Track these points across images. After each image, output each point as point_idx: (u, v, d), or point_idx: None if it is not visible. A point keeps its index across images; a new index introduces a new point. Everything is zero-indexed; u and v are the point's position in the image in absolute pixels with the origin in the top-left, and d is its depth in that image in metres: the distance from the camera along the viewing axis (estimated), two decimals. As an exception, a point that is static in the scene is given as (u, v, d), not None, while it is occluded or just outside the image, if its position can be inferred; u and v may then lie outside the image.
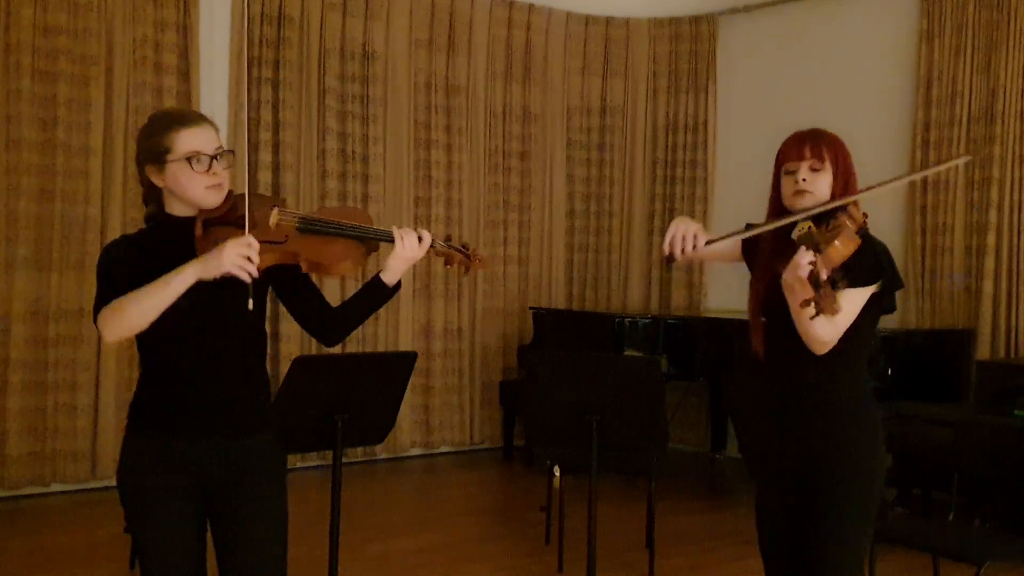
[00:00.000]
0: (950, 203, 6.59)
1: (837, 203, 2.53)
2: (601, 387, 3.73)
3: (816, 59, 7.42)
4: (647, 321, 7.04)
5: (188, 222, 2.45)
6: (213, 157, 2.42)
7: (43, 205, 6.00)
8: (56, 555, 5.00)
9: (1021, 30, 6.34)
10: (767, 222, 2.64)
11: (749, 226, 2.75)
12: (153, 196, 2.50)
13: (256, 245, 2.33)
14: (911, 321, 6.64)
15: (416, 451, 7.56)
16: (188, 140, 2.40)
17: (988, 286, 6.38)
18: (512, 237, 8.02)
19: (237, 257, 2.30)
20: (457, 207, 7.67)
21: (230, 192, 2.49)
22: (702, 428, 7.65)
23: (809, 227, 2.48)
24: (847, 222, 2.44)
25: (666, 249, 2.65)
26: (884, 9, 7.11)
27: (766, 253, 2.68)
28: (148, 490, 2.45)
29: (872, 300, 2.57)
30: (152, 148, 2.42)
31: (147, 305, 2.34)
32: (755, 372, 2.77)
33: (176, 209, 2.47)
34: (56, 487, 6.10)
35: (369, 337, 7.18)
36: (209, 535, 2.55)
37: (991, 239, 6.38)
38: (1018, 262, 6.34)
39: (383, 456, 7.30)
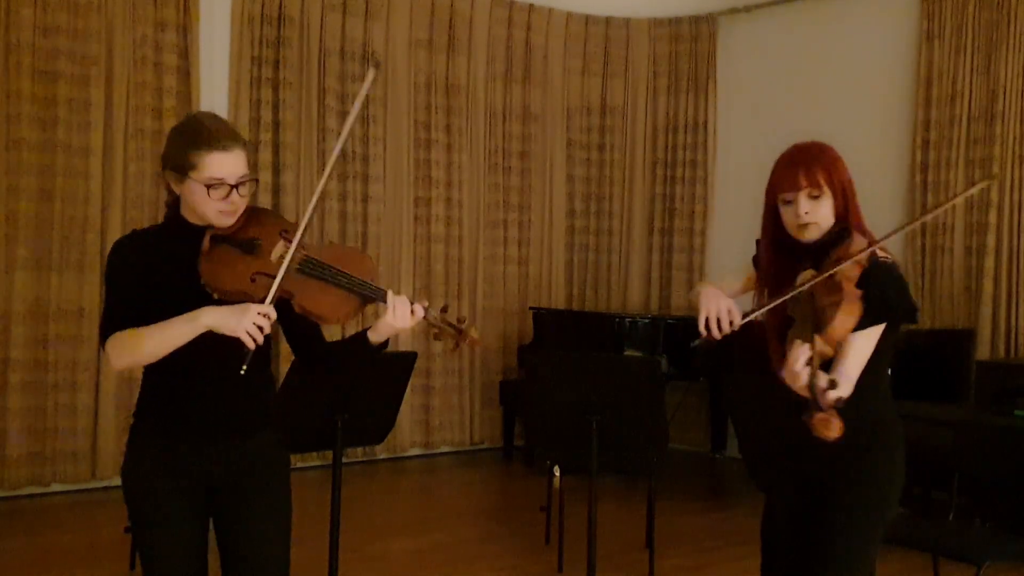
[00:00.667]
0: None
1: (840, 266, 2.38)
2: (601, 387, 3.73)
3: (816, 59, 7.42)
4: (647, 321, 7.05)
5: (199, 231, 2.44)
6: (234, 186, 2.38)
7: (43, 205, 6.00)
8: (56, 555, 5.00)
9: (1021, 30, 6.34)
10: (773, 296, 2.51)
11: (755, 259, 2.72)
12: (171, 193, 2.49)
13: (273, 317, 2.33)
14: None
15: (416, 451, 7.56)
16: (214, 165, 2.36)
17: (988, 286, 6.38)
18: (512, 237, 8.02)
19: (252, 328, 2.29)
20: (457, 207, 7.67)
21: (247, 208, 2.47)
22: (702, 428, 7.65)
23: (812, 288, 2.38)
24: (849, 280, 2.34)
25: (703, 332, 2.54)
26: (884, 9, 7.11)
27: (770, 282, 2.60)
28: (152, 492, 2.46)
29: (888, 327, 2.49)
30: (178, 158, 2.39)
31: (156, 344, 2.35)
32: (766, 381, 2.73)
33: (189, 215, 2.46)
34: (56, 487, 6.10)
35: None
36: (212, 535, 2.55)
37: (991, 239, 6.38)
38: (1018, 262, 6.35)
39: (383, 456, 7.30)
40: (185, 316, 2.33)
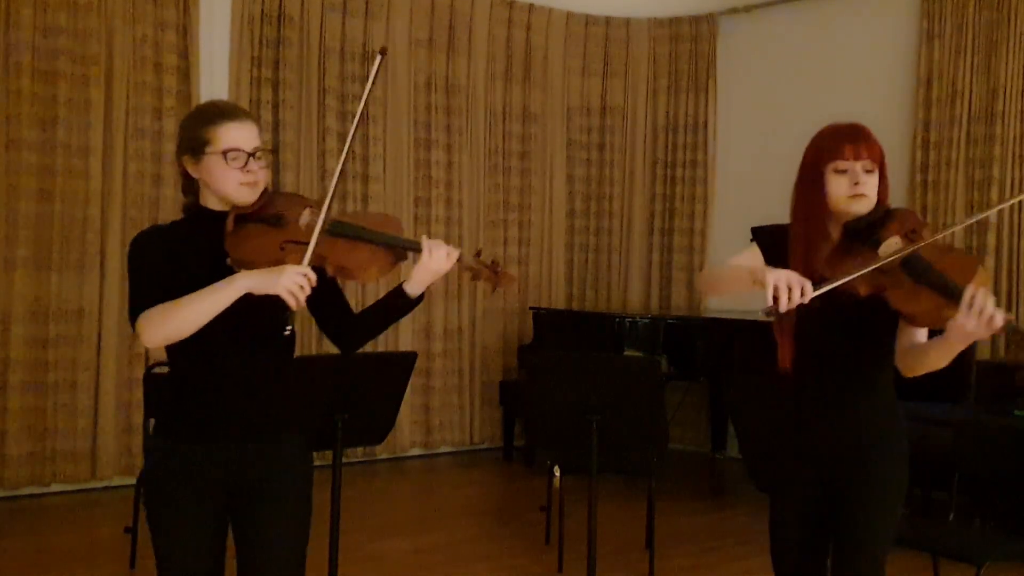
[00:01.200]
0: (950, 203, 6.60)
1: (916, 246, 2.37)
2: (601, 387, 3.73)
3: (816, 59, 7.42)
4: (647, 321, 7.05)
5: (221, 216, 2.43)
6: (251, 155, 2.40)
7: (43, 205, 5.99)
8: (56, 555, 4.99)
9: (1021, 30, 6.34)
10: (849, 273, 2.38)
11: (764, 246, 2.64)
12: (191, 187, 2.49)
13: (314, 278, 2.30)
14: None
15: (416, 451, 7.56)
16: (228, 134, 2.39)
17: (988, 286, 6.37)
18: (512, 237, 8.02)
19: (293, 284, 2.27)
20: (457, 207, 7.67)
21: (265, 189, 2.48)
22: (702, 428, 7.65)
23: (904, 244, 2.37)
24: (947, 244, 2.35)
25: (769, 300, 2.36)
26: (884, 9, 7.12)
27: (814, 260, 2.50)
28: (173, 497, 2.42)
29: None
30: (193, 138, 2.41)
31: (194, 312, 2.31)
32: (773, 381, 2.71)
33: (211, 202, 2.46)
34: (56, 487, 6.10)
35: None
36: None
37: (991, 239, 6.39)
38: (1018, 262, 6.35)
39: (383, 456, 7.30)
40: (220, 283, 2.31)
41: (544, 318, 7.60)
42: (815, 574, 2.67)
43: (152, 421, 4.60)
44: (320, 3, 6.98)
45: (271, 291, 2.27)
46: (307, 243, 2.37)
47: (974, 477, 4.06)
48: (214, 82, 6.57)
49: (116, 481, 6.19)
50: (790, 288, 2.35)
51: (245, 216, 2.43)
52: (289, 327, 2.31)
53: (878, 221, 2.47)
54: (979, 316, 2.23)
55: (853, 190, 2.47)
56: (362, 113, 2.50)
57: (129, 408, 6.22)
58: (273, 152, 2.53)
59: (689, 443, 7.76)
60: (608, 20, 8.28)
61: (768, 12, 7.79)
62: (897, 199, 6.73)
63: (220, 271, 2.35)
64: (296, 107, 6.91)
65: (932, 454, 4.59)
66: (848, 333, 2.52)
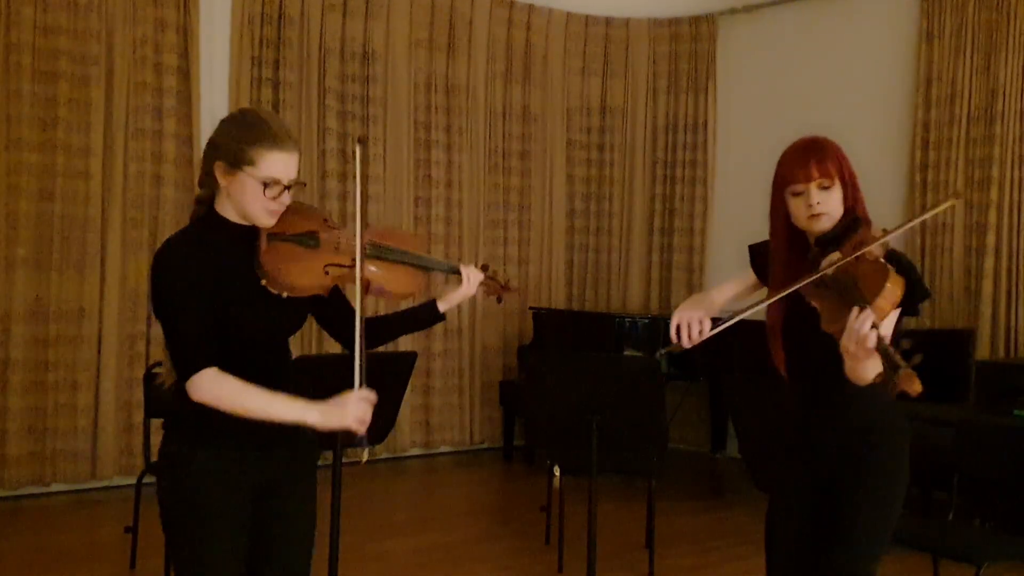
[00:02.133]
0: (945, 208, 6.58)
1: (855, 254, 2.41)
2: (601, 387, 3.73)
3: (816, 59, 7.43)
4: (647, 321, 7.05)
5: (243, 230, 2.39)
6: (287, 188, 2.37)
7: (43, 205, 5.99)
8: (56, 555, 4.99)
9: (1021, 30, 6.34)
10: (783, 288, 2.51)
11: (755, 264, 2.76)
12: (208, 184, 2.40)
13: (373, 400, 2.36)
14: (911, 321, 6.62)
15: (416, 451, 7.56)
16: (275, 164, 2.33)
17: (988, 286, 6.39)
18: (512, 237, 8.02)
19: (360, 413, 2.33)
20: (457, 207, 7.67)
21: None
22: (702, 428, 7.65)
23: (842, 267, 2.38)
24: (880, 258, 2.37)
25: (673, 338, 2.63)
26: (884, 9, 7.12)
27: (781, 275, 2.61)
28: (207, 506, 2.38)
29: (901, 312, 2.51)
30: (235, 150, 2.33)
31: (258, 413, 2.32)
32: (772, 382, 2.74)
33: (228, 212, 2.40)
34: (56, 487, 6.10)
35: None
36: None
37: (991, 239, 6.39)
38: (1018, 262, 6.35)
39: (383, 456, 7.30)
40: (296, 406, 2.34)
41: (544, 318, 7.60)
42: (808, 573, 2.68)
43: (152, 421, 4.61)
44: (320, 3, 6.98)
45: (340, 426, 2.33)
46: (348, 266, 2.44)
47: (974, 477, 4.06)
48: (214, 82, 6.57)
49: (116, 481, 6.19)
50: (689, 325, 2.61)
51: (276, 234, 2.41)
52: (365, 456, 2.45)
53: (843, 233, 2.52)
54: (856, 338, 2.25)
55: (808, 211, 2.54)
56: (362, 206, 2.51)
57: (129, 408, 6.22)
58: (303, 184, 2.48)
59: (689, 443, 7.76)
60: (608, 20, 8.28)
61: (768, 12, 7.79)
62: (897, 199, 6.79)
63: (253, 288, 2.37)
64: (296, 107, 6.91)
65: (932, 454, 4.59)
66: (831, 337, 2.52)
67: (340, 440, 2.41)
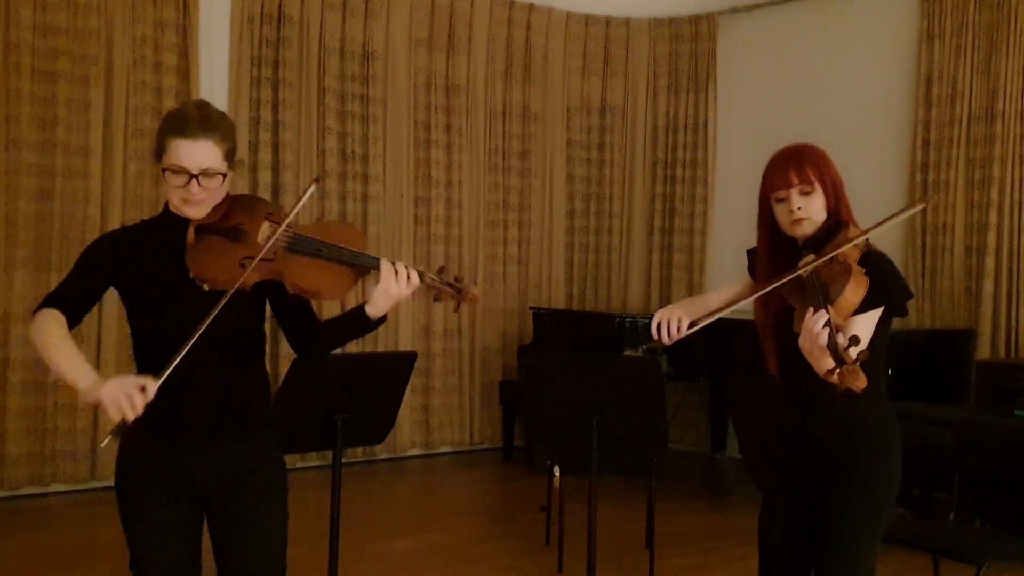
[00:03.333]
0: (950, 203, 6.60)
1: (833, 253, 2.48)
2: (601, 387, 3.73)
3: (816, 59, 7.42)
4: (647, 321, 7.04)
5: (185, 223, 2.41)
6: (194, 176, 2.33)
7: (43, 205, 5.99)
8: (56, 555, 4.99)
9: (1021, 30, 6.34)
10: (762, 286, 2.61)
11: (750, 268, 2.80)
12: None
13: (151, 392, 2.21)
14: (911, 321, 6.64)
15: (416, 451, 7.56)
16: (177, 151, 2.33)
17: (988, 286, 6.38)
18: (512, 237, 8.02)
19: (120, 395, 2.19)
20: (457, 207, 7.67)
21: (227, 196, 2.44)
22: (702, 428, 7.65)
23: (815, 269, 2.45)
24: (851, 261, 2.44)
25: (654, 334, 2.70)
26: (884, 9, 7.11)
27: (767, 277, 2.66)
28: (144, 495, 2.43)
29: (884, 312, 2.55)
30: (156, 143, 2.39)
31: (51, 363, 2.33)
32: (766, 381, 2.76)
33: (173, 207, 2.44)
34: (56, 487, 6.10)
35: (369, 337, 7.16)
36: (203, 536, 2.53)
37: (991, 239, 6.39)
38: (1018, 262, 6.35)
39: (383, 456, 7.29)
40: (77, 371, 2.30)
41: (544, 318, 7.60)
42: (800, 572, 2.69)
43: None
44: (320, 3, 6.98)
45: (92, 401, 2.25)
46: (267, 260, 2.34)
47: (974, 477, 4.06)
48: (214, 82, 6.57)
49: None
50: (669, 323, 2.68)
51: (205, 227, 2.40)
52: (108, 437, 2.23)
53: (826, 236, 2.58)
54: (808, 336, 2.32)
55: (790, 217, 2.62)
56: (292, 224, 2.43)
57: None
58: (224, 175, 2.44)
59: (689, 443, 7.76)
60: (608, 20, 8.28)
61: (768, 12, 7.79)
62: (897, 199, 6.78)
63: (183, 279, 2.37)
64: (296, 107, 6.91)
65: (932, 454, 4.60)
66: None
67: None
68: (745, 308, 2.79)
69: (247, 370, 2.51)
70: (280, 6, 6.84)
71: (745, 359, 6.05)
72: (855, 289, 2.39)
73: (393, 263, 2.42)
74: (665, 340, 2.68)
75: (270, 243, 2.35)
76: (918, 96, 6.82)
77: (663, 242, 8.33)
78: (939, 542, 3.87)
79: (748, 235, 2.86)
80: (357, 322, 2.48)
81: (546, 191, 8.17)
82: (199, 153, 2.34)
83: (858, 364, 2.20)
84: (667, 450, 4.12)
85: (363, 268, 2.42)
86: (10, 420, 5.91)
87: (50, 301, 2.38)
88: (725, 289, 2.89)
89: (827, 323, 2.28)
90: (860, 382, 2.20)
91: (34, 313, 2.37)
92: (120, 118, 6.22)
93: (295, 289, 2.39)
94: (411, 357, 3.71)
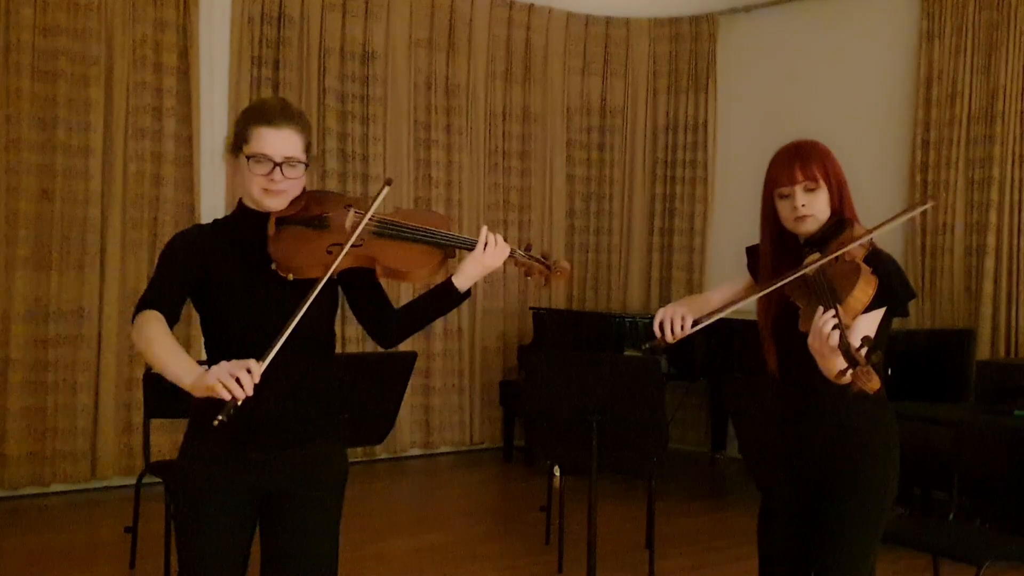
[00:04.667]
0: (950, 203, 6.59)
1: (840, 251, 2.46)
2: (601, 387, 3.73)
3: (816, 59, 7.42)
4: (647, 321, 7.04)
5: (262, 217, 2.40)
6: (278, 164, 2.35)
7: (43, 205, 5.99)
8: (56, 555, 4.99)
9: (1021, 30, 6.34)
10: (766, 284, 2.57)
11: (750, 266, 2.78)
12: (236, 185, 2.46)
13: (257, 374, 2.16)
14: (911, 321, 6.63)
15: (416, 451, 7.56)
16: (261, 139, 2.35)
17: (988, 286, 6.38)
18: (512, 237, 8.00)
19: (226, 376, 2.14)
20: (457, 207, 7.67)
21: (303, 191, 2.44)
22: (702, 428, 7.65)
23: (821, 267, 2.43)
24: (858, 260, 2.41)
25: (657, 333, 2.64)
26: (884, 9, 7.11)
27: (769, 275, 2.65)
28: (203, 496, 2.38)
29: (885, 312, 2.54)
30: (236, 135, 2.40)
31: (155, 362, 2.26)
32: (766, 381, 2.75)
33: (249, 202, 2.43)
34: (56, 487, 6.10)
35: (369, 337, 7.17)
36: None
37: (991, 239, 6.38)
38: (1018, 262, 6.35)
39: (383, 456, 7.30)
40: (182, 368, 2.22)
41: (544, 318, 7.60)
42: (800, 573, 2.69)
43: (151, 422, 4.61)
44: (320, 3, 6.98)
45: (201, 390, 2.17)
46: (356, 245, 2.34)
47: (974, 477, 4.06)
48: (214, 82, 6.57)
49: (116, 481, 6.18)
50: (672, 321, 2.60)
51: (286, 219, 2.39)
52: (220, 417, 2.13)
53: (829, 234, 2.56)
54: (819, 336, 2.29)
55: (794, 213, 2.59)
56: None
57: (129, 408, 6.22)
58: (306, 165, 2.44)
59: (689, 443, 7.76)
60: (608, 20, 8.28)
61: (768, 12, 7.79)
62: (897, 199, 6.79)
63: (263, 272, 2.34)
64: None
65: (932, 454, 4.60)
66: None
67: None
68: (745, 307, 2.79)
69: (315, 374, 2.46)
70: (280, 6, 6.84)
71: (745, 359, 6.05)
72: (864, 289, 2.36)
73: (489, 233, 2.46)
74: (668, 339, 2.62)
75: (360, 228, 2.34)
76: (918, 96, 6.82)
77: (663, 242, 8.33)
78: (939, 542, 3.87)
79: (748, 235, 2.86)
80: (444, 297, 2.48)
81: (546, 191, 8.17)
82: (283, 142, 2.36)
83: (871, 365, 2.17)
84: (667, 450, 4.12)
85: (452, 248, 2.44)
86: (10, 420, 5.91)
87: (145, 304, 2.33)
88: (725, 287, 2.87)
89: (837, 323, 2.26)
90: (874, 383, 2.16)
91: (133, 319, 2.33)
92: (120, 118, 6.22)
93: (387, 272, 2.39)
94: (411, 357, 3.71)
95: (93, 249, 6.13)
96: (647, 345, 2.63)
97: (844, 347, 2.22)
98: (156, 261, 2.43)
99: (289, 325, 2.24)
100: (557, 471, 5.27)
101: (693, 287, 8.09)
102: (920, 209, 2.83)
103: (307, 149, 2.43)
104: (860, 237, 2.48)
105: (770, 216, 2.67)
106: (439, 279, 2.52)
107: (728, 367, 6.22)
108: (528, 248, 2.56)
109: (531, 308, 7.83)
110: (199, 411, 2.40)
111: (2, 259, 5.90)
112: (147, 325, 2.29)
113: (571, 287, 8.36)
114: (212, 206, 6.41)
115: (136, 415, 6.03)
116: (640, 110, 8.34)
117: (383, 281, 2.50)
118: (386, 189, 2.42)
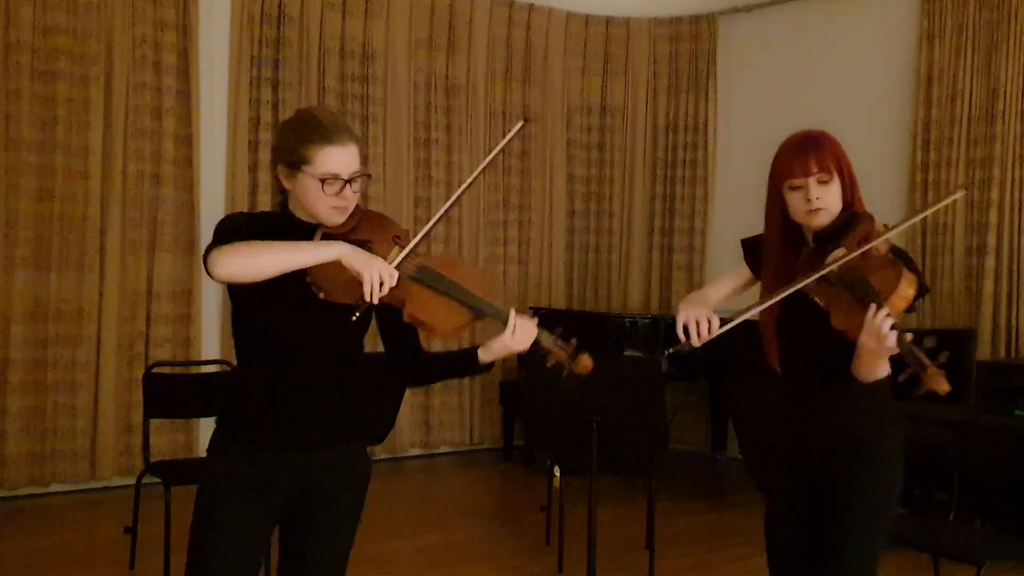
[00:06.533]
0: (950, 203, 6.58)
1: (860, 250, 2.37)
2: (601, 387, 3.72)
3: (816, 59, 7.42)
4: (647, 321, 7.04)
5: (307, 227, 2.37)
6: (347, 181, 2.33)
7: (43, 205, 5.99)
8: (56, 555, 4.99)
9: (1021, 30, 6.34)
10: (787, 286, 2.46)
11: (749, 259, 2.72)
12: (281, 189, 2.42)
13: (395, 279, 2.25)
14: (911, 321, 6.63)
15: (416, 451, 7.56)
16: (329, 160, 2.31)
17: (988, 286, 6.38)
18: (512, 237, 8.02)
19: (378, 274, 2.22)
20: (457, 207, 7.66)
21: (357, 207, 2.41)
22: (702, 428, 7.65)
23: (847, 263, 2.34)
24: (888, 253, 2.33)
25: (681, 336, 2.53)
26: (884, 9, 7.12)
27: (783, 267, 2.58)
28: (227, 502, 2.37)
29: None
30: (291, 152, 2.34)
31: (279, 257, 2.24)
32: (767, 380, 2.72)
33: (299, 211, 2.40)
34: (56, 487, 6.10)
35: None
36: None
37: (991, 239, 6.38)
38: (1018, 262, 6.35)
39: (383, 456, 7.29)
40: (314, 242, 2.27)
41: (544, 318, 7.55)
42: (810, 573, 2.67)
43: (151, 422, 4.61)
44: (320, 3, 6.98)
45: (358, 270, 2.23)
46: (387, 284, 2.30)
47: (974, 477, 4.06)
48: (214, 82, 6.57)
49: (116, 481, 6.18)
50: (698, 323, 2.49)
51: (332, 237, 2.35)
52: (357, 313, 2.24)
53: (842, 228, 2.49)
54: (876, 336, 2.25)
55: (807, 206, 2.50)
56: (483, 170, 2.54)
57: (129, 408, 6.21)
58: (368, 176, 2.44)
59: (689, 443, 7.76)
60: (608, 20, 8.28)
61: (768, 12, 7.79)
62: (897, 199, 6.79)
63: (297, 281, 2.29)
64: (296, 107, 6.89)
65: (932, 454, 4.60)
66: (830, 334, 2.47)
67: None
68: (745, 306, 2.77)
69: (345, 380, 2.46)
70: (280, 6, 6.83)
71: (745, 359, 6.05)
72: (907, 288, 2.28)
73: (520, 318, 2.41)
74: (695, 342, 2.51)
75: (397, 263, 2.31)
76: (918, 96, 6.82)
77: (663, 242, 8.33)
78: (939, 542, 3.87)
79: (748, 234, 2.83)
80: (465, 363, 2.50)
81: (546, 191, 8.17)
82: (349, 159, 2.34)
83: (938, 365, 2.10)
84: (667, 450, 4.11)
85: (483, 313, 2.40)
86: (10, 420, 5.90)
87: (216, 244, 2.29)
88: (722, 282, 2.79)
89: (894, 324, 2.19)
90: (945, 385, 2.10)
91: (207, 258, 2.27)
92: (120, 118, 6.21)
93: (411, 319, 2.35)
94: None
95: (93, 249, 6.12)
96: (672, 349, 2.54)
97: (907, 349, 2.16)
98: (214, 230, 2.36)
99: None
100: (557, 471, 5.26)
101: (693, 287, 8.07)
102: (952, 198, 2.75)
103: (364, 159, 2.42)
104: (884, 232, 2.40)
105: (779, 209, 2.58)
106: (460, 338, 2.53)
107: (728, 367, 6.22)
108: (561, 335, 2.50)
109: (531, 308, 7.82)
110: (230, 409, 2.43)
111: (2, 259, 5.89)
112: (235, 246, 2.26)
113: (571, 287, 8.37)
114: (212, 205, 6.41)
115: (136, 415, 6.02)
116: (640, 110, 8.34)
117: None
118: (424, 229, 2.40)
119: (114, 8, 6.17)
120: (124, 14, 6.21)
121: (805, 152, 2.49)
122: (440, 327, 2.38)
